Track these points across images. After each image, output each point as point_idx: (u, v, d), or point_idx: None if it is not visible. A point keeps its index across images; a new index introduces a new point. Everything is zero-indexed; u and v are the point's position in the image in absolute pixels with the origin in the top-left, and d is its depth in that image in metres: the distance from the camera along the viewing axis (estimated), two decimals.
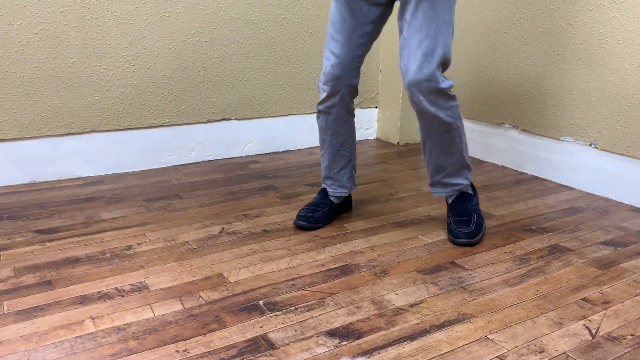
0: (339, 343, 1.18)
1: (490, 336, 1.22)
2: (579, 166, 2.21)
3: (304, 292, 1.39)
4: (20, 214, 1.86)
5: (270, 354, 1.14)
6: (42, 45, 2.08)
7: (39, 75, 2.10)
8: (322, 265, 1.54)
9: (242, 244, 1.66)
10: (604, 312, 1.33)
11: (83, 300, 1.33)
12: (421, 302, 1.36)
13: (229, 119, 2.55)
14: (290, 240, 1.69)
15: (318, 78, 2.73)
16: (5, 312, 1.28)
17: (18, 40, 2.04)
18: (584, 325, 1.27)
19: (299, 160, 2.56)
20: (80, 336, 1.19)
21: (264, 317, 1.28)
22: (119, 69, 2.24)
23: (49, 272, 1.47)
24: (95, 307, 1.30)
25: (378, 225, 1.82)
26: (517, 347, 1.18)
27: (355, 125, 2.92)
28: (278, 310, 1.30)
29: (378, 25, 1.64)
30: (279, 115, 2.67)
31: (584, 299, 1.38)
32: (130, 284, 1.41)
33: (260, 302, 1.34)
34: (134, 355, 1.13)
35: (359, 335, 1.21)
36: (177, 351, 1.14)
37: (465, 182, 1.73)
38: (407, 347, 1.17)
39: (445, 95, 1.55)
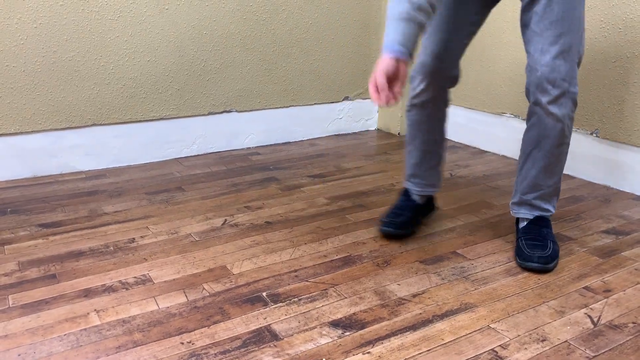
0: (343, 333, 1.19)
1: (492, 325, 1.23)
2: (580, 155, 2.21)
3: (306, 283, 1.40)
4: (23, 208, 1.86)
5: (275, 345, 1.15)
6: (42, 39, 2.08)
7: (39, 69, 2.10)
8: (325, 256, 1.54)
9: (244, 236, 1.67)
10: (605, 300, 1.33)
11: (87, 293, 1.34)
12: (423, 292, 1.36)
13: (229, 111, 2.54)
14: (293, 232, 1.69)
15: (318, 69, 2.72)
16: (11, 305, 1.29)
17: (18, 35, 2.03)
18: (586, 313, 1.28)
19: (300, 152, 2.56)
20: (85, 329, 1.20)
21: (268, 308, 1.29)
22: (119, 62, 2.24)
23: (53, 265, 1.48)
24: (100, 300, 1.31)
25: (380, 216, 1.82)
26: (519, 335, 1.19)
27: (355, 116, 2.92)
28: (281, 302, 1.31)
29: (487, 11, 1.55)
30: (280, 107, 2.67)
31: (585, 288, 1.39)
32: (134, 277, 1.42)
33: (264, 294, 1.35)
34: (139, 347, 1.14)
35: (362, 325, 1.22)
36: (182, 343, 1.15)
37: (553, 211, 1.59)
38: (410, 337, 1.18)
39: (574, 101, 1.42)
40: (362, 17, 2.80)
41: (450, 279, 1.43)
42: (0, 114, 2.07)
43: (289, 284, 1.39)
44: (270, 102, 2.63)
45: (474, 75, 2.58)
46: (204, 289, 1.37)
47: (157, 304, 1.30)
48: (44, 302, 1.30)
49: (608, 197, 2.01)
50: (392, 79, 1.29)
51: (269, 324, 1.22)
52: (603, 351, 1.14)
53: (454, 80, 1.57)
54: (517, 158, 2.46)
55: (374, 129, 2.99)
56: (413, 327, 1.22)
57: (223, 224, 1.76)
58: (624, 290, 1.37)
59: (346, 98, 2.85)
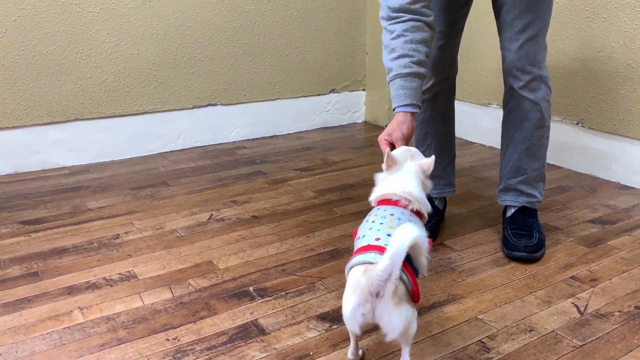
0: (330, 327, 1.18)
1: (480, 316, 1.23)
2: (567, 145, 2.21)
3: (294, 277, 1.39)
4: (5, 205, 1.83)
5: (262, 340, 1.14)
6: (21, 33, 2.04)
7: (19, 63, 2.06)
8: (312, 250, 1.53)
9: (231, 231, 1.65)
10: (592, 289, 1.34)
11: (71, 290, 1.32)
12: None
13: (215, 105, 2.52)
14: (280, 226, 1.68)
15: (304, 61, 2.70)
16: None
17: None
18: (573, 303, 1.28)
19: (286, 145, 2.54)
20: (69, 327, 1.18)
21: (254, 303, 1.27)
22: (101, 55, 2.20)
23: (36, 263, 1.45)
24: (84, 298, 1.29)
25: (367, 209, 1.81)
26: (506, 326, 1.19)
27: (342, 108, 2.91)
28: (268, 296, 1.30)
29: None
30: (266, 100, 2.64)
31: (572, 277, 1.39)
32: (119, 273, 1.40)
33: (250, 288, 1.33)
34: (124, 344, 1.12)
35: None
36: (168, 339, 1.14)
37: (540, 197, 1.58)
38: None
39: (546, 84, 1.47)
40: (348, 9, 2.78)
41: (437, 270, 1.42)
42: None
43: (276, 278, 1.38)
44: (256, 95, 2.61)
45: (460, 66, 2.57)
46: (189, 284, 1.35)
47: (142, 301, 1.28)
48: (26, 300, 1.28)
49: (594, 186, 2.02)
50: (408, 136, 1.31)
51: (256, 319, 1.21)
52: (590, 340, 1.14)
53: (456, 70, 1.60)
54: None
55: (361, 121, 2.98)
56: None
57: (209, 218, 1.74)
58: (610, 279, 1.38)
59: (333, 90, 2.83)
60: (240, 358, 1.08)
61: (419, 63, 1.31)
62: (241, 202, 1.87)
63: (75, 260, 1.47)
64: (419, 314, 1.23)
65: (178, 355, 1.09)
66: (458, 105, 2.62)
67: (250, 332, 1.16)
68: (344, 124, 2.92)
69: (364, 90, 2.94)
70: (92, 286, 1.34)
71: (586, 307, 1.26)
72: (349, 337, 1.15)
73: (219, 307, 1.26)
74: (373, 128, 2.85)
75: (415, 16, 1.30)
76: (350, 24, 2.80)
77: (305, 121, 2.79)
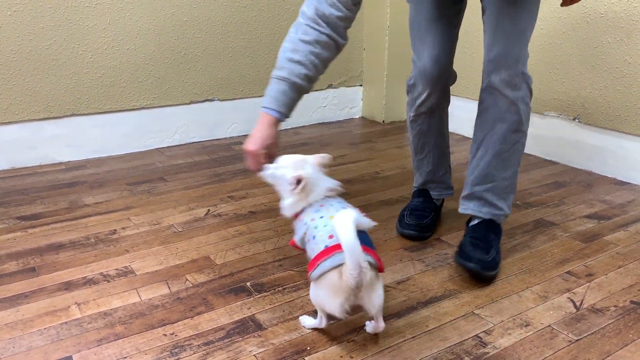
0: (327, 322, 1.18)
1: (476, 311, 1.23)
2: (563, 141, 2.22)
3: (291, 272, 1.39)
4: (1, 200, 1.83)
5: (259, 335, 1.14)
6: (17, 27, 2.03)
7: (15, 58, 2.05)
8: None
9: (228, 226, 1.65)
10: (587, 284, 1.34)
11: (68, 286, 1.32)
12: (408, 279, 1.36)
13: (212, 100, 2.51)
14: (277, 221, 1.68)
15: None
16: None
17: None
18: (569, 298, 1.29)
19: (284, 141, 2.54)
20: (66, 322, 1.18)
21: (252, 298, 1.27)
22: (97, 50, 2.19)
23: (33, 258, 1.45)
24: (81, 293, 1.29)
25: (364, 204, 1.82)
26: (502, 321, 1.20)
27: (340, 104, 2.90)
28: (265, 291, 1.30)
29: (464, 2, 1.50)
30: (263, 95, 2.63)
31: (568, 272, 1.40)
32: (116, 269, 1.40)
33: (248, 284, 1.34)
34: (121, 340, 1.12)
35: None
36: (165, 335, 1.14)
37: (507, 211, 1.45)
38: (395, 324, 1.18)
39: (527, 84, 1.36)
40: None
41: (434, 265, 1.43)
42: None
43: (273, 274, 1.38)
44: (253, 90, 2.61)
45: (456, 61, 2.57)
46: (187, 280, 1.35)
47: (139, 296, 1.28)
48: (24, 296, 1.28)
49: (590, 182, 2.03)
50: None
51: (253, 314, 1.21)
52: (586, 335, 1.15)
53: (454, 78, 1.54)
54: None
55: (358, 117, 2.98)
56: (397, 315, 1.21)
57: (206, 214, 1.74)
58: (606, 274, 1.39)
59: (330, 86, 2.83)
60: (237, 353, 1.08)
61: (310, 80, 1.32)
62: (238, 198, 1.86)
63: (72, 255, 1.47)
64: (416, 309, 1.24)
65: (175, 350, 1.09)
66: (455, 101, 2.62)
67: (248, 327, 1.17)
68: (341, 119, 2.92)
69: (361, 86, 2.94)
70: (89, 282, 1.34)
71: (582, 302, 1.27)
72: (345, 332, 1.15)
73: (216, 302, 1.26)
74: (370, 124, 2.85)
75: (335, 34, 1.31)
76: None
77: (302, 117, 2.79)
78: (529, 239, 1.58)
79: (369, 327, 1.13)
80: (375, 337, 1.13)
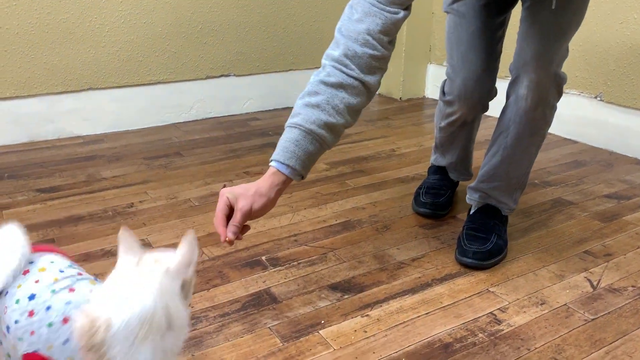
0: (341, 297, 1.19)
1: (491, 289, 1.23)
2: (584, 119, 2.18)
3: (306, 247, 1.39)
4: (21, 173, 1.85)
5: (274, 308, 1.15)
6: (35, 0, 2.03)
7: (33, 31, 2.05)
8: (324, 221, 1.54)
9: None
10: (605, 264, 1.33)
11: (87, 257, 1.34)
12: (423, 256, 1.36)
13: (228, 75, 2.50)
14: (292, 197, 1.68)
15: (319, 32, 2.67)
16: None
17: None
18: (586, 277, 1.28)
19: None
20: None
21: (267, 272, 1.28)
22: (114, 24, 2.19)
23: (52, 230, 1.47)
24: (100, 264, 1.31)
25: (380, 182, 1.81)
26: (518, 299, 1.19)
27: None
28: (280, 266, 1.31)
29: (511, 5, 1.36)
30: (279, 71, 2.62)
31: (586, 252, 1.38)
32: None
33: (263, 258, 1.34)
34: None
35: (361, 289, 1.22)
36: None
37: (513, 205, 1.40)
38: (409, 300, 1.18)
39: (558, 86, 1.25)
40: None
41: (450, 243, 1.42)
42: None
43: (288, 248, 1.39)
44: (269, 65, 2.59)
45: None
46: (203, 253, 1.36)
47: None
48: None
49: (611, 161, 2.00)
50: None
51: (268, 287, 1.22)
52: (602, 314, 1.14)
53: (493, 94, 1.41)
54: None
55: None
56: (412, 291, 1.22)
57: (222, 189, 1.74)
58: (625, 254, 1.37)
59: None
60: (253, 325, 1.09)
61: (331, 129, 1.05)
62: (254, 174, 1.87)
63: (91, 228, 1.49)
64: (430, 286, 1.24)
65: (192, 321, 1.10)
66: None
67: (263, 300, 1.18)
68: None
69: None
70: (108, 253, 1.36)
71: (599, 281, 1.26)
72: (360, 307, 1.16)
73: (232, 275, 1.27)
74: (387, 100, 2.82)
75: (366, 78, 1.06)
76: None
77: None
78: (546, 218, 1.56)
79: None
80: (389, 313, 1.14)
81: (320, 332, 1.08)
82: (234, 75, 2.52)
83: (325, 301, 1.18)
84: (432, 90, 2.86)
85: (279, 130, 2.33)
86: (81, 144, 2.15)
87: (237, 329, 1.08)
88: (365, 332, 1.08)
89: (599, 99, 2.11)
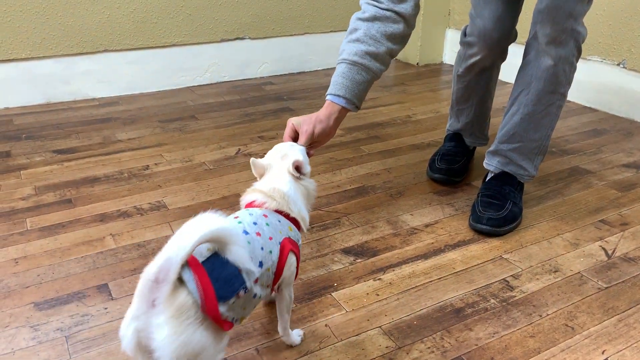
0: (354, 260, 1.20)
1: (505, 256, 1.23)
2: (605, 87, 2.13)
3: (319, 212, 1.40)
4: (38, 134, 1.87)
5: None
6: None
7: None
8: (338, 186, 1.54)
9: None
10: (621, 233, 1.32)
11: (103, 218, 1.36)
12: (436, 222, 1.36)
13: (242, 39, 2.48)
14: None
15: None
16: (29, 228, 1.31)
17: None
18: (600, 246, 1.27)
19: (315, 82, 2.50)
20: (101, 252, 1.22)
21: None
22: None
23: (69, 190, 1.49)
24: (115, 225, 1.33)
25: (395, 148, 1.80)
26: (531, 266, 1.19)
27: None
28: None
29: None
30: (295, 35, 2.59)
31: (601, 221, 1.37)
32: (149, 203, 1.43)
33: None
34: None
35: (374, 253, 1.23)
36: None
37: (533, 172, 1.38)
38: (422, 265, 1.19)
39: (576, 41, 1.24)
40: None
41: (464, 210, 1.42)
42: (11, 38, 2.03)
43: None
44: (284, 29, 2.55)
45: None
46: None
47: (171, 229, 1.31)
48: (61, 226, 1.32)
49: (631, 130, 1.96)
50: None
51: None
52: (615, 283, 1.14)
53: (514, 37, 1.42)
54: None
55: None
56: (425, 256, 1.22)
57: (236, 153, 1.75)
58: None
59: None
60: None
61: (374, 56, 1.16)
62: (268, 138, 1.86)
63: (107, 189, 1.50)
64: (443, 252, 1.24)
65: None
66: None
67: None
68: None
69: None
70: (124, 214, 1.38)
71: (614, 250, 1.25)
72: (372, 271, 1.16)
73: None
74: (404, 66, 2.78)
75: (398, 6, 1.16)
76: None
77: (334, 57, 2.72)
78: (563, 186, 1.55)
79: None
80: (402, 277, 1.15)
81: (332, 294, 1.09)
82: (249, 38, 2.49)
83: (338, 264, 1.18)
84: (450, 56, 2.80)
85: (293, 95, 2.31)
86: (97, 106, 2.15)
87: None
88: (378, 295, 1.09)
89: (621, 66, 2.06)
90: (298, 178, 0.94)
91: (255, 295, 0.78)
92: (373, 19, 1.17)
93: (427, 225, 1.34)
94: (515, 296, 1.09)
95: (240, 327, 0.99)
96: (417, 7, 1.19)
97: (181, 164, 1.66)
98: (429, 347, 0.96)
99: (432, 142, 1.84)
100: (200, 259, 0.71)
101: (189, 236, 0.66)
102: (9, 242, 1.25)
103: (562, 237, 1.30)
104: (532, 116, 1.31)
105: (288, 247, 0.85)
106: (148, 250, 1.23)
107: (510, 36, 1.40)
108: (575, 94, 2.24)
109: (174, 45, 2.33)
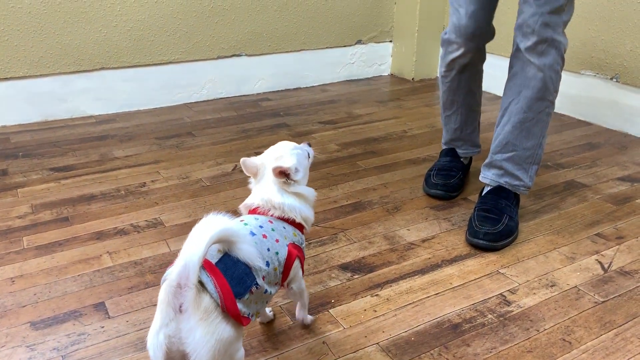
0: (352, 276, 1.20)
1: (501, 270, 1.23)
2: (599, 101, 2.15)
3: (316, 228, 1.40)
4: (35, 152, 1.87)
5: (284, 287, 1.16)
6: None
7: (45, 10, 2.05)
8: (335, 202, 1.54)
9: None
10: (617, 247, 1.32)
11: (100, 235, 1.36)
12: (433, 237, 1.36)
13: (239, 55, 2.49)
14: None
15: (330, 11, 2.64)
16: (26, 247, 1.31)
17: None
18: (597, 260, 1.27)
19: (311, 98, 2.52)
20: (98, 270, 1.22)
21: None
22: (125, 3, 2.18)
23: (66, 208, 1.49)
24: (112, 243, 1.33)
25: (391, 163, 1.81)
26: (528, 281, 1.19)
27: (368, 60, 2.85)
28: None
29: None
30: (291, 51, 2.61)
31: (597, 234, 1.38)
32: (146, 220, 1.43)
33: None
34: (151, 288, 1.16)
35: (371, 269, 1.23)
36: None
37: (529, 183, 1.39)
38: (419, 281, 1.19)
39: (558, 50, 1.29)
40: None
41: (460, 225, 1.42)
42: (8, 56, 2.04)
43: None
44: (280, 45, 2.57)
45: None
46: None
47: (168, 247, 1.31)
48: (58, 244, 1.32)
49: (625, 144, 1.97)
50: None
51: None
52: (612, 297, 1.14)
53: (491, 35, 1.48)
54: None
55: (387, 74, 2.93)
56: (422, 271, 1.22)
57: (233, 169, 1.75)
58: (637, 237, 1.36)
59: (359, 42, 2.78)
60: None
61: None
62: None
63: (104, 206, 1.50)
64: (440, 267, 1.24)
65: None
66: (489, 59, 2.55)
67: None
68: (369, 76, 2.87)
69: (391, 41, 2.88)
70: (120, 232, 1.38)
71: (610, 264, 1.25)
72: (369, 287, 1.16)
73: None
74: (399, 81, 2.80)
75: None
76: None
77: (330, 73, 2.75)
78: (558, 200, 1.55)
79: None
80: (399, 293, 1.15)
81: (330, 311, 1.09)
82: (246, 55, 2.51)
83: (336, 281, 1.18)
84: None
85: (290, 111, 2.32)
86: (94, 123, 2.16)
87: None
88: (375, 311, 1.09)
89: (615, 80, 2.08)
90: (285, 183, 0.93)
91: (265, 292, 0.83)
92: None
93: (424, 241, 1.35)
94: (512, 311, 1.09)
95: None
96: None
97: (178, 181, 1.66)
98: None
99: (428, 157, 1.85)
100: (214, 261, 0.76)
101: (200, 240, 0.70)
102: (5, 261, 1.25)
103: (558, 251, 1.31)
104: (523, 123, 1.34)
105: (294, 253, 0.90)
106: (145, 268, 1.22)
107: (486, 33, 1.45)
108: (569, 108, 2.26)
109: (170, 62, 2.35)
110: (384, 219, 1.44)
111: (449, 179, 1.56)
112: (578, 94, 2.21)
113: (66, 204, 1.51)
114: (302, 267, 0.95)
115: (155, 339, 0.70)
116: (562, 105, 2.27)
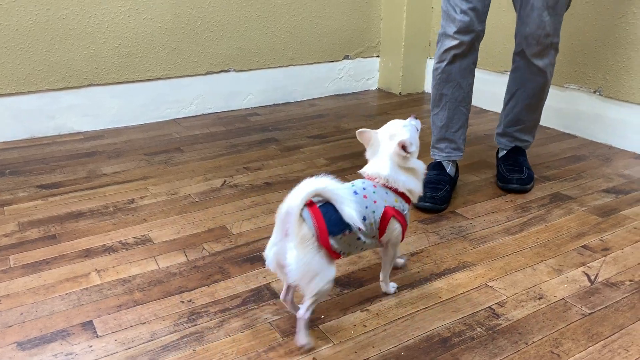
0: (341, 291, 1.20)
1: (490, 283, 1.24)
2: (583, 114, 2.18)
3: None
4: (22, 169, 1.86)
5: (274, 303, 1.16)
6: None
7: (33, 27, 2.05)
8: None
9: (244, 197, 1.66)
10: (603, 258, 1.34)
11: (88, 253, 1.35)
12: (422, 251, 1.37)
13: (227, 71, 2.51)
14: None
15: (318, 27, 2.67)
16: (12, 265, 1.30)
17: None
18: (583, 272, 1.28)
19: (300, 112, 2.53)
20: (86, 288, 1.21)
21: (267, 267, 1.29)
22: (114, 20, 2.19)
23: (53, 226, 1.48)
24: (100, 260, 1.32)
25: None
26: (516, 293, 1.20)
27: (356, 75, 2.88)
28: None
29: None
30: (279, 66, 2.62)
31: (583, 246, 1.39)
32: (134, 237, 1.43)
33: (263, 253, 1.35)
34: (140, 306, 1.15)
35: (361, 283, 1.23)
36: (182, 302, 1.16)
37: (532, 140, 1.78)
38: (408, 295, 1.19)
39: (556, 49, 1.58)
40: None
41: (448, 238, 1.43)
42: None
43: None
44: (269, 61, 2.59)
45: None
46: (203, 248, 1.37)
47: (157, 264, 1.31)
48: (45, 262, 1.31)
49: (609, 156, 2.00)
50: None
51: (269, 283, 1.23)
52: (599, 308, 1.15)
53: (482, 33, 1.58)
54: None
55: (374, 88, 2.96)
56: (411, 286, 1.23)
57: (222, 184, 1.75)
58: (622, 249, 1.38)
59: (347, 57, 2.80)
60: (253, 320, 1.10)
61: None
62: (254, 169, 1.88)
63: (92, 224, 1.50)
64: (429, 280, 1.25)
65: (193, 316, 1.12)
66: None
67: (263, 295, 1.19)
68: (357, 91, 2.90)
69: (378, 56, 2.91)
70: (109, 249, 1.37)
71: (597, 275, 1.27)
72: (359, 302, 1.17)
73: (232, 271, 1.28)
74: (387, 95, 2.83)
75: None
76: None
77: (318, 88, 2.77)
78: (544, 212, 1.57)
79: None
80: (389, 307, 1.15)
81: (320, 326, 1.09)
82: (234, 70, 2.52)
83: (325, 296, 1.18)
84: (431, 86, 2.86)
85: (279, 125, 2.33)
86: (81, 140, 2.16)
87: (238, 324, 1.09)
88: (365, 326, 1.09)
89: (598, 93, 2.12)
90: (404, 157, 1.08)
91: (359, 239, 1.01)
92: None
93: (412, 254, 1.35)
94: (501, 324, 1.10)
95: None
96: None
97: (166, 197, 1.66)
98: None
99: None
100: (318, 204, 0.96)
101: (303, 189, 0.93)
102: None
103: (545, 263, 1.32)
104: (530, 105, 1.69)
105: (391, 212, 1.05)
106: (133, 286, 1.22)
107: (479, 31, 1.55)
108: (554, 121, 2.29)
109: (159, 78, 2.35)
110: None
111: (436, 191, 1.57)
112: (563, 107, 2.25)
113: (54, 222, 1.50)
114: (403, 232, 1.09)
115: (270, 252, 0.99)
116: (547, 118, 2.30)
